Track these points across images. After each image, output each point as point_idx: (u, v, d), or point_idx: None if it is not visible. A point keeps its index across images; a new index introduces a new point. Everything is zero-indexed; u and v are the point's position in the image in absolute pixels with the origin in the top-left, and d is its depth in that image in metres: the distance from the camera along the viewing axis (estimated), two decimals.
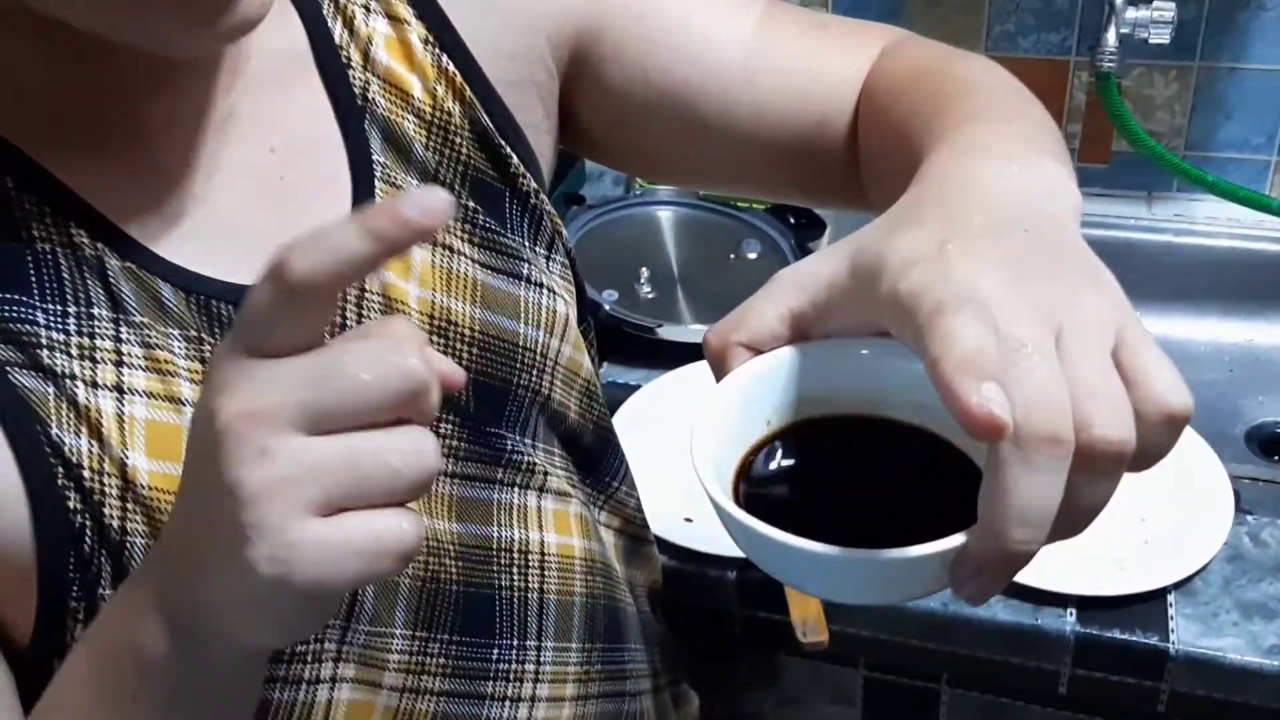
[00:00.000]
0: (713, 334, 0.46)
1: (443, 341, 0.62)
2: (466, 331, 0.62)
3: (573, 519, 0.69)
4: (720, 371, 0.45)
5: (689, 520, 0.94)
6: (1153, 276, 1.31)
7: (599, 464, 0.74)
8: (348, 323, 0.59)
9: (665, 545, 0.92)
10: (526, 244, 0.67)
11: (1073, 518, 0.38)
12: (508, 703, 0.64)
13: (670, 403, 1.08)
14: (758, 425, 0.45)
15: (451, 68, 0.63)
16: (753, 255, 1.25)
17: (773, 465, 0.44)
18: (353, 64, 0.61)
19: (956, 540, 0.36)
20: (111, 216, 0.53)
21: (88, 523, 0.50)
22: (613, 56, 0.69)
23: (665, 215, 1.35)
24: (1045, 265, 0.41)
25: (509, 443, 0.65)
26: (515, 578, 0.65)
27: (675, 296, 1.24)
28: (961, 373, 0.35)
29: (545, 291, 0.66)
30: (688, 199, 1.34)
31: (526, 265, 0.66)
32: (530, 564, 0.66)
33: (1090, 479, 0.37)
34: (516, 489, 0.66)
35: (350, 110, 0.61)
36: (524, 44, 0.67)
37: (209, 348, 0.54)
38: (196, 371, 0.54)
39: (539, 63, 0.68)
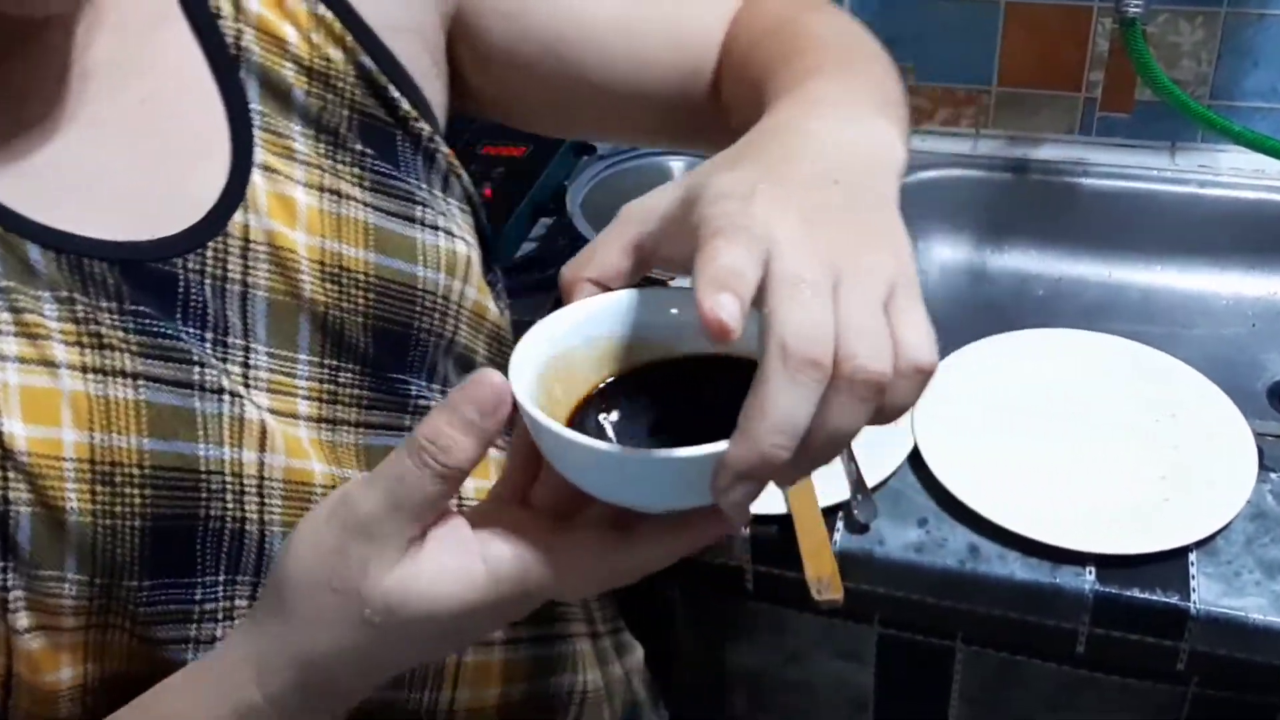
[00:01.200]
0: (565, 269, 0.49)
1: (337, 289, 0.61)
2: (361, 276, 0.61)
3: (490, 463, 0.68)
4: (568, 301, 0.49)
5: None
6: (1175, 229, 1.28)
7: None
8: (229, 275, 0.57)
9: None
10: (423, 186, 0.66)
11: (822, 438, 0.41)
12: None
13: None
14: (584, 352, 0.50)
15: (330, 16, 0.62)
16: None
17: (602, 403, 0.49)
18: (223, 14, 0.60)
19: (721, 445, 0.40)
20: None
21: None
22: (493, 11, 0.70)
23: (677, 166, 1.32)
24: (842, 217, 0.44)
25: (413, 388, 0.65)
26: None
27: None
28: (709, 283, 0.39)
29: (443, 234, 0.65)
30: (701, 150, 1.31)
31: (421, 208, 0.65)
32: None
33: (846, 405, 0.40)
34: None
35: (223, 59, 0.59)
36: None
37: (82, 308, 0.52)
38: (70, 333, 0.52)
39: (422, 12, 0.67)
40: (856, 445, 0.93)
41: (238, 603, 0.57)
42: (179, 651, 0.56)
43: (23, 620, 0.51)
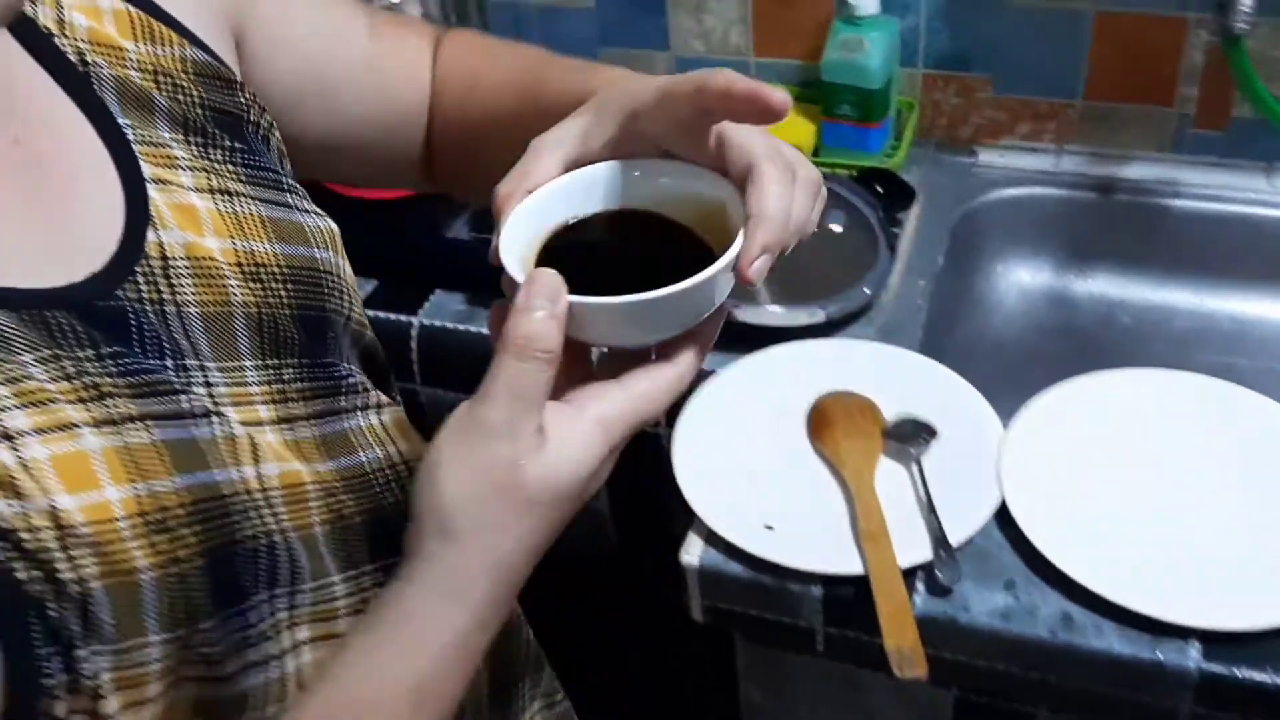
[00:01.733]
0: (501, 184, 0.56)
1: (260, 286, 0.60)
2: (276, 270, 0.62)
3: (405, 426, 0.71)
4: (500, 213, 0.56)
5: (770, 528, 0.87)
6: (1271, 255, 1.21)
7: (389, 378, 0.76)
8: (163, 297, 0.55)
9: (744, 556, 0.85)
10: (283, 171, 0.67)
11: (795, 223, 0.54)
12: None
13: (745, 392, 1.00)
14: (556, 223, 0.58)
15: (149, 18, 0.61)
16: (837, 228, 1.16)
17: (564, 256, 0.57)
18: (54, 34, 0.57)
19: (737, 245, 0.53)
20: None
21: (46, 589, 0.46)
22: (261, 54, 0.70)
23: None
24: None
25: (340, 369, 0.66)
26: (398, 493, 0.66)
27: None
28: (757, 84, 0.52)
29: (313, 214, 0.67)
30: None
31: (289, 193, 0.66)
32: (402, 476, 0.67)
33: (805, 199, 0.55)
34: (358, 412, 0.67)
35: (73, 79, 0.57)
36: (204, 5, 0.66)
37: (69, 362, 0.50)
38: (69, 391, 0.49)
39: (221, 19, 0.67)
40: (939, 499, 0.87)
41: (279, 615, 0.58)
42: (241, 680, 0.56)
43: (112, 704, 0.48)
